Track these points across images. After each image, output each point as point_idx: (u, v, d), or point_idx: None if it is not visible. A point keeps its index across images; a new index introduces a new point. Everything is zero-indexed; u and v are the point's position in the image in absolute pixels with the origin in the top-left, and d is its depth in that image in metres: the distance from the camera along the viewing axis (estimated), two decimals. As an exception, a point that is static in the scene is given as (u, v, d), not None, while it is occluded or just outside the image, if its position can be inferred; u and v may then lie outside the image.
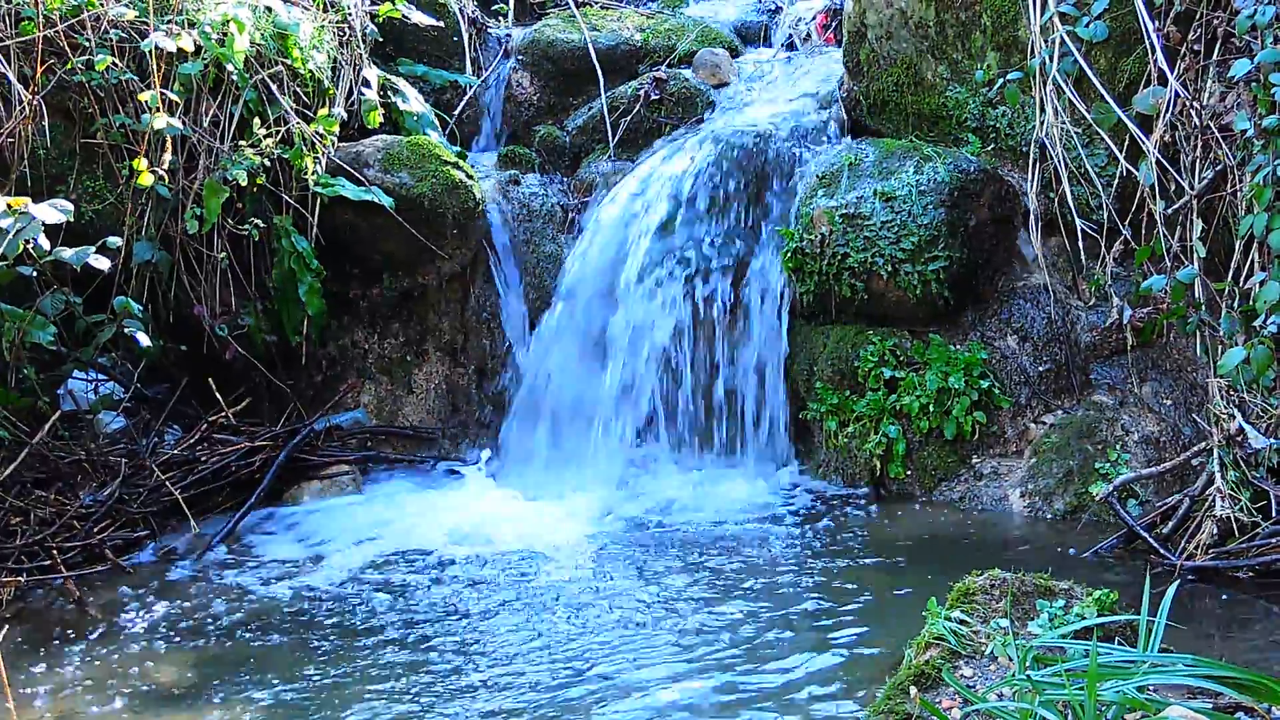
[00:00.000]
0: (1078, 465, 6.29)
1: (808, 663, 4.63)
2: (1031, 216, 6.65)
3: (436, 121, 8.12)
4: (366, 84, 7.71)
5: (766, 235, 7.21)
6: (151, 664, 4.85)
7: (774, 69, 8.58)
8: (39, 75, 6.33)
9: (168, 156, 6.61)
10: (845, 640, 4.82)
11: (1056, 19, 6.20)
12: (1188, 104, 5.89)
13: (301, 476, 6.88)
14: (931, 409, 6.55)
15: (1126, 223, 6.31)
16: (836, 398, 6.80)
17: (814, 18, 8.84)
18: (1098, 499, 5.96)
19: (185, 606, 5.43)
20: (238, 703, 4.49)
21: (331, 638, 5.06)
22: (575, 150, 8.27)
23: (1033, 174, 6.59)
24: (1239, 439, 5.50)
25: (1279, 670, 4.26)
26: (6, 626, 4.97)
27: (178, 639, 5.09)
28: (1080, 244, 6.46)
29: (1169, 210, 5.98)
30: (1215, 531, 5.42)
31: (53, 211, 5.38)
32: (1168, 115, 5.95)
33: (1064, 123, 6.36)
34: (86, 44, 6.52)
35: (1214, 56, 5.93)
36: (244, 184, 6.79)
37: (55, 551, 5.75)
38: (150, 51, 6.49)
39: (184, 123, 6.68)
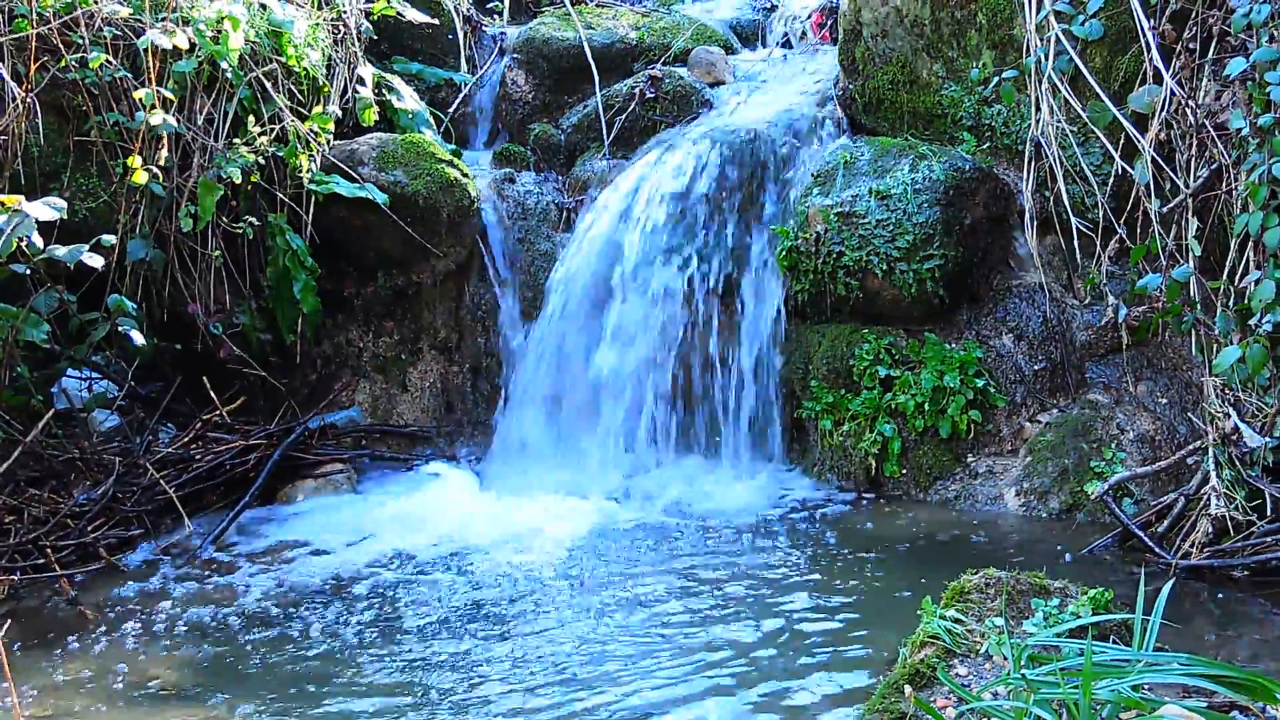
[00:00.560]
0: (1073, 464, 6.29)
1: (801, 661, 4.63)
2: (1027, 215, 6.65)
3: (431, 119, 8.12)
4: (361, 82, 7.71)
5: (761, 234, 7.20)
6: (146, 663, 4.84)
7: (769, 67, 8.58)
8: (32, 72, 6.32)
9: (164, 154, 6.61)
10: (840, 638, 4.82)
11: (1052, 17, 6.20)
12: (1183, 102, 5.89)
13: (296, 475, 6.87)
14: (927, 408, 6.55)
15: (1122, 221, 6.31)
16: (832, 396, 6.80)
17: (809, 16, 8.84)
18: (1093, 498, 5.96)
19: (179, 605, 5.41)
20: (232, 701, 4.48)
21: (326, 637, 5.05)
22: (570, 148, 8.26)
23: (1028, 172, 6.59)
24: (1234, 437, 5.50)
25: (1274, 669, 4.27)
26: (8, 622, 4.97)
27: (172, 637, 5.08)
28: (1075, 242, 6.46)
29: (1164, 209, 5.97)
30: (1210, 530, 5.42)
31: (46, 209, 5.38)
32: (1163, 114, 5.95)
33: (1059, 121, 6.36)
34: (80, 41, 6.51)
35: (1209, 55, 5.93)
36: (238, 182, 6.78)
37: (49, 550, 5.74)
38: (145, 49, 6.48)
39: (178, 120, 6.67)
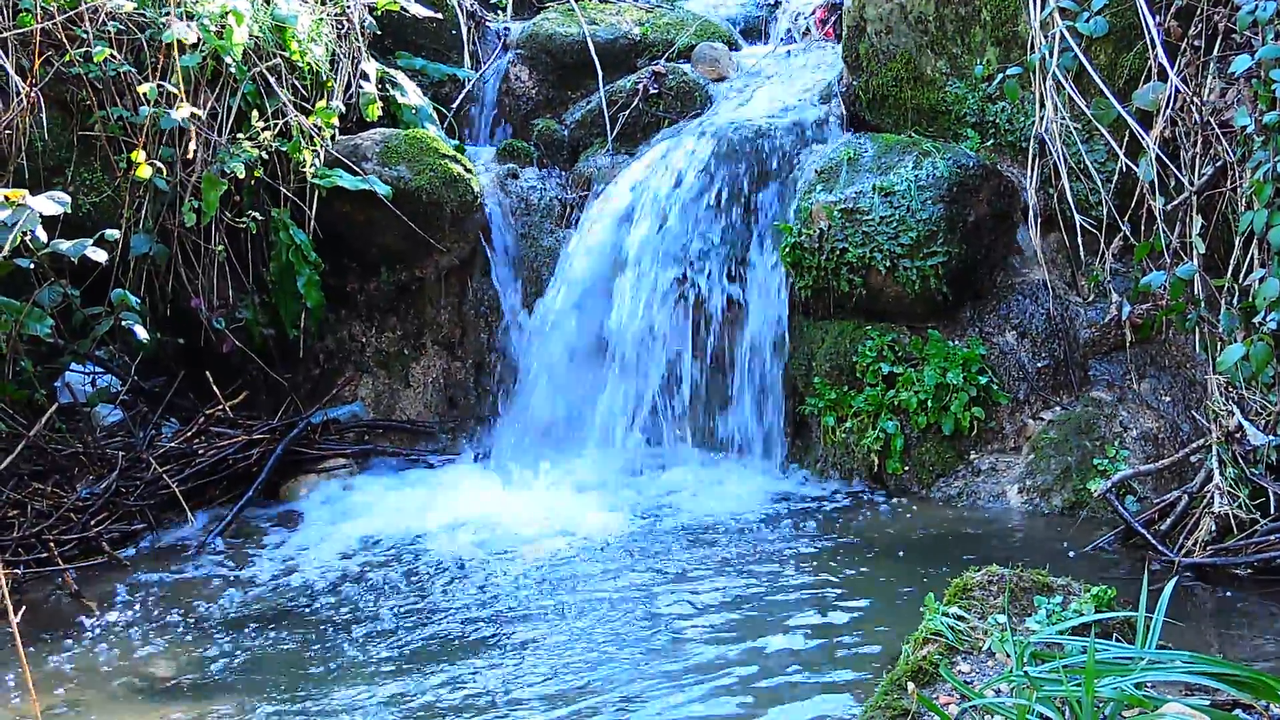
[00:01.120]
0: (1076, 461, 6.28)
1: (804, 657, 4.63)
2: (1031, 212, 6.64)
3: (435, 115, 8.12)
4: (365, 77, 7.71)
5: (764, 230, 7.20)
6: (149, 656, 4.84)
7: (773, 64, 8.57)
8: (36, 67, 6.32)
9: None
10: (842, 635, 4.82)
11: (1056, 14, 6.18)
12: (1188, 100, 5.88)
13: (299, 470, 6.88)
14: (930, 405, 6.54)
15: (1126, 219, 6.30)
16: (834, 393, 6.80)
17: (813, 12, 8.83)
18: (1096, 495, 5.95)
19: (182, 599, 5.42)
20: (235, 695, 4.49)
21: (328, 631, 5.05)
22: (574, 144, 8.26)
23: (1032, 169, 6.58)
24: (1238, 436, 5.49)
25: (1278, 667, 4.26)
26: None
27: (174, 631, 5.09)
28: (1079, 240, 6.45)
29: (1169, 206, 5.97)
30: (1214, 528, 5.41)
31: (50, 203, 5.38)
32: (1168, 111, 5.94)
33: (1064, 118, 6.35)
34: (84, 36, 6.51)
35: (1214, 52, 5.92)
36: (242, 177, 6.78)
37: (52, 544, 5.74)
38: (149, 43, 6.49)
39: (181, 115, 6.67)
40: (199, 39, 6.65)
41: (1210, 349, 5.82)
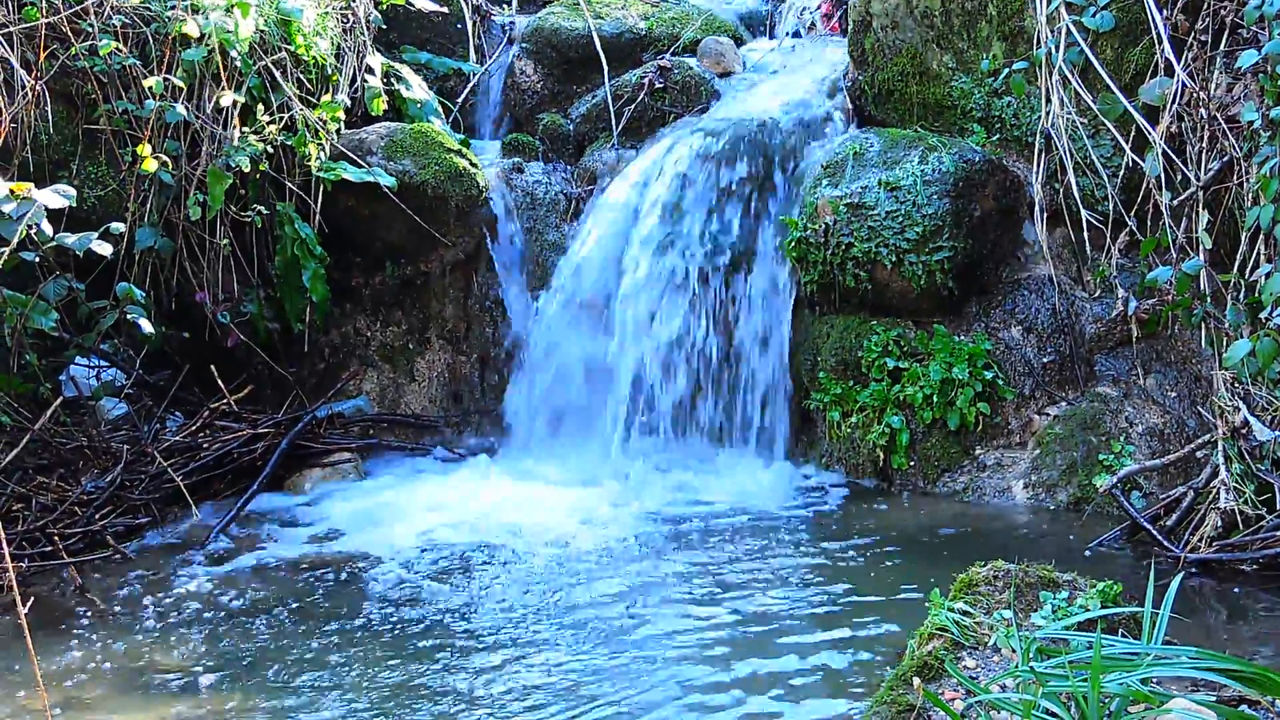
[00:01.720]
0: (1081, 457, 6.28)
1: (809, 652, 4.63)
2: (1037, 207, 6.63)
3: (440, 109, 8.11)
4: (370, 71, 7.70)
5: (770, 224, 7.19)
6: (153, 650, 4.84)
7: (779, 58, 8.56)
8: (42, 60, 6.32)
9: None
10: (848, 630, 4.82)
11: (1063, 9, 6.17)
12: (1194, 95, 5.87)
13: (303, 464, 6.88)
14: (935, 400, 6.54)
15: (1132, 214, 6.29)
16: (840, 388, 6.79)
17: (819, 6, 8.82)
18: (1101, 491, 5.95)
19: (187, 593, 5.42)
20: (240, 688, 4.49)
21: (333, 624, 5.05)
22: (579, 138, 8.25)
23: (1038, 164, 6.57)
24: (1244, 431, 5.48)
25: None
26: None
27: (179, 625, 5.09)
28: (1085, 235, 6.44)
29: (1175, 201, 5.96)
30: (1219, 524, 5.41)
31: (55, 197, 5.37)
32: (1174, 106, 5.92)
33: (1070, 113, 6.34)
34: (90, 29, 6.50)
35: (1221, 47, 5.91)
36: (247, 171, 6.78)
37: (57, 538, 5.74)
38: (154, 37, 6.49)
39: (187, 109, 6.67)
40: (203, 32, 6.64)
41: (1216, 344, 5.81)
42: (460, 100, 8.55)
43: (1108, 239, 6.42)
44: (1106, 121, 6.21)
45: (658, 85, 8.10)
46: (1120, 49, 6.32)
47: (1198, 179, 5.89)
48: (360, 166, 7.15)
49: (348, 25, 7.65)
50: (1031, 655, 3.36)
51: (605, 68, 8.34)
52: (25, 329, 6.08)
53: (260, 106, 6.93)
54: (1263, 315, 5.28)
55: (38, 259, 5.99)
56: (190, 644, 4.90)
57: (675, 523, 6.21)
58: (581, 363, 7.22)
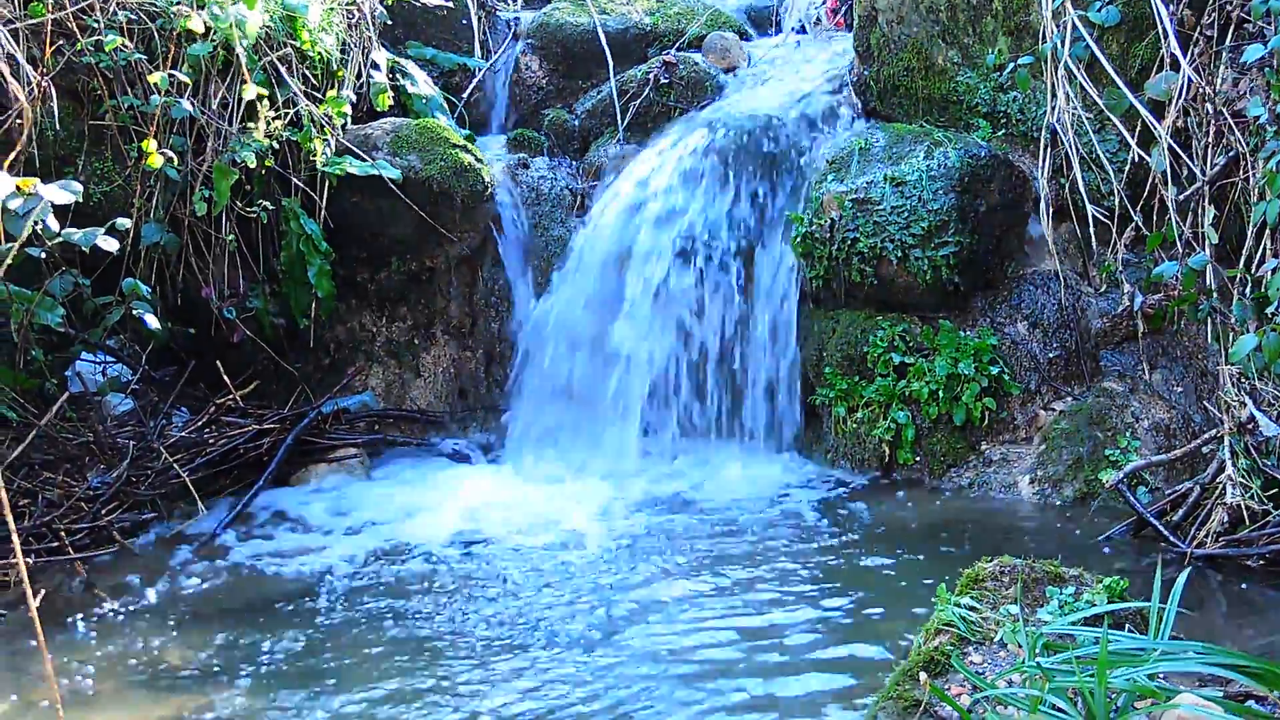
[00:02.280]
0: (1087, 452, 6.27)
1: (815, 647, 4.63)
2: (1042, 202, 6.62)
3: (445, 104, 8.11)
4: (375, 66, 7.70)
5: (776, 219, 7.19)
6: (159, 645, 4.85)
7: (784, 53, 8.55)
8: (48, 56, 6.32)
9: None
10: (853, 625, 4.82)
11: (1068, 3, 6.17)
12: (1200, 89, 5.87)
13: (309, 459, 6.88)
14: (941, 395, 6.53)
15: (1138, 209, 6.29)
16: (845, 383, 6.79)
17: (824, 2, 8.81)
18: (1107, 486, 5.95)
19: (193, 588, 5.43)
20: (245, 684, 4.49)
21: (338, 619, 5.06)
22: (584, 134, 8.24)
23: (1044, 160, 6.57)
24: (1250, 426, 5.48)
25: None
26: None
27: (185, 620, 5.09)
28: (1091, 230, 6.44)
29: (1181, 196, 5.95)
30: (1225, 519, 5.40)
31: (62, 192, 5.38)
32: (1180, 101, 5.92)
33: (1075, 108, 6.33)
34: (95, 25, 6.51)
35: (1227, 41, 5.90)
36: (253, 166, 6.78)
37: (63, 533, 5.74)
38: (160, 33, 6.49)
39: (193, 105, 6.67)
40: (209, 27, 6.64)
41: (1222, 340, 5.81)
42: (465, 96, 8.54)
43: (1113, 234, 6.42)
44: (1112, 116, 6.20)
45: (663, 81, 8.10)
46: (1126, 44, 6.32)
47: (1203, 174, 5.88)
48: (366, 161, 7.15)
49: (353, 21, 7.65)
50: (1038, 650, 3.36)
51: (610, 63, 8.34)
52: (31, 324, 6.09)
53: (266, 102, 6.93)
54: (1269, 310, 5.28)
55: (44, 255, 5.99)
56: (196, 639, 4.90)
57: (678, 519, 6.20)
58: (587, 359, 7.21)
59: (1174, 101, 5.92)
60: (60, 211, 5.51)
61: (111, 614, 5.17)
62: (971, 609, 3.82)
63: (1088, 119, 6.33)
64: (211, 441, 6.65)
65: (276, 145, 6.94)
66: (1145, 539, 5.62)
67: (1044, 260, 6.78)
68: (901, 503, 6.37)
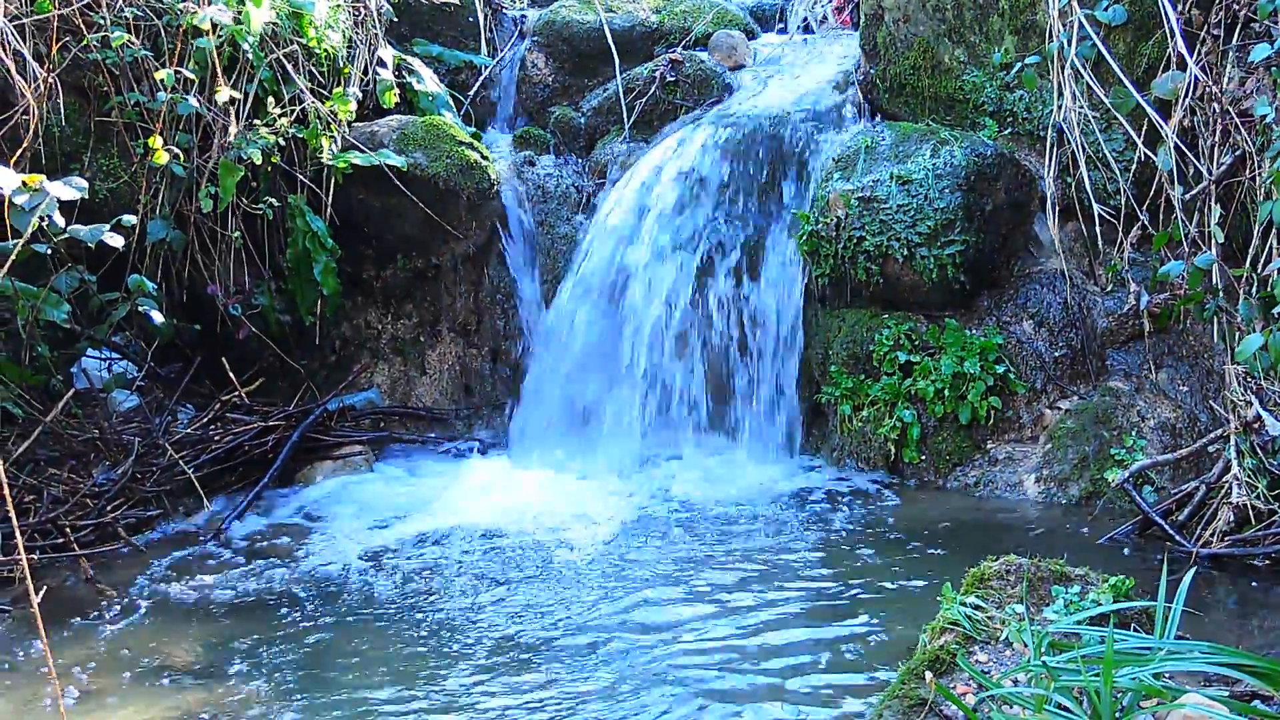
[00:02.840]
0: (1093, 451, 6.27)
1: (820, 645, 4.62)
2: (1049, 201, 6.62)
3: (451, 102, 8.12)
4: (382, 64, 7.70)
5: (782, 218, 7.18)
6: (164, 641, 4.85)
7: (790, 52, 8.56)
8: (54, 53, 6.33)
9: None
10: (859, 624, 4.81)
11: (1075, 2, 6.16)
12: (1207, 89, 5.86)
13: (314, 456, 6.89)
14: (946, 394, 6.53)
15: (1144, 208, 6.28)
16: (851, 381, 6.78)
17: (830, 0, 8.80)
18: (1113, 485, 5.94)
19: (198, 585, 5.43)
20: (249, 680, 4.49)
21: (344, 615, 5.06)
22: (590, 131, 8.25)
23: (1050, 158, 6.56)
24: (1256, 426, 5.47)
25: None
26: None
27: (190, 616, 5.10)
28: (1097, 229, 6.43)
29: (1187, 196, 5.95)
30: (1231, 519, 5.40)
31: (68, 189, 5.38)
32: (1187, 100, 5.91)
33: (1082, 107, 6.33)
34: (101, 21, 6.51)
35: (1234, 41, 5.90)
36: (259, 163, 6.78)
37: (68, 529, 5.75)
38: (166, 29, 6.50)
39: (199, 101, 6.67)
40: (215, 24, 6.65)
41: (1229, 339, 5.81)
42: (472, 93, 8.55)
43: (1120, 233, 6.41)
44: (1119, 115, 6.20)
45: (669, 79, 8.10)
46: (1133, 43, 6.31)
47: (1210, 173, 5.88)
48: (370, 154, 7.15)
49: (359, 18, 7.66)
50: (1044, 650, 3.35)
51: (616, 61, 8.35)
52: (37, 321, 6.10)
53: (272, 99, 6.93)
54: (1275, 310, 5.28)
55: (50, 251, 6.00)
56: (201, 635, 4.90)
57: (684, 517, 6.20)
58: (593, 356, 7.21)
59: (1180, 100, 5.91)
60: (66, 208, 5.52)
61: (117, 610, 5.17)
62: (977, 608, 3.82)
63: (1094, 118, 6.33)
64: (217, 438, 6.65)
65: (282, 142, 6.94)
66: (1151, 538, 5.61)
67: (1050, 259, 6.78)
68: (906, 501, 6.36)
